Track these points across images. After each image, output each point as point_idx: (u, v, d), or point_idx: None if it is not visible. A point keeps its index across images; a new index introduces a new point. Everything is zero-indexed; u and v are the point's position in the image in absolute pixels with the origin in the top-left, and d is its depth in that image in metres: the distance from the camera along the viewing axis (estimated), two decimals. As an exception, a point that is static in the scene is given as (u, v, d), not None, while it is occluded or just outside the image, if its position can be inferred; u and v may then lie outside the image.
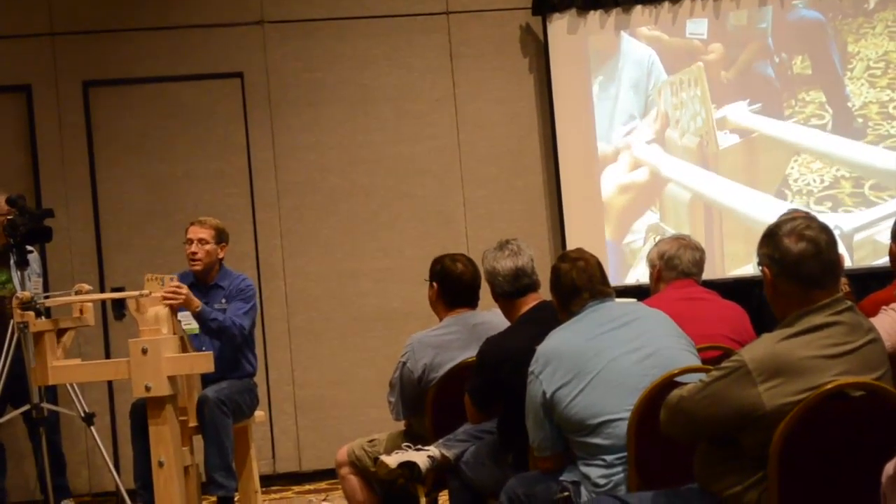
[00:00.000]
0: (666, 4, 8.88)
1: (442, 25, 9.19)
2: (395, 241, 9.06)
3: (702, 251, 5.75)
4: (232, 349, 6.96)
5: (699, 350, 4.61)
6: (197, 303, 6.68)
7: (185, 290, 6.44)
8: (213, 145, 9.00)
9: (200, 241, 7.03)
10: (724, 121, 8.78)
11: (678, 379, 4.15)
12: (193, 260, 7.03)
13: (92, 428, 7.53)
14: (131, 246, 8.85)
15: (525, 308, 5.14)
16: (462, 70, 9.20)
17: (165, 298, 6.19)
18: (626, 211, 9.01)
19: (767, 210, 8.28)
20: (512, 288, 5.14)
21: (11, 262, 7.20)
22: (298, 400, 8.95)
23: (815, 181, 8.62)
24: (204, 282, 7.01)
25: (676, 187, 8.90)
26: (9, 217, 7.13)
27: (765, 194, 8.67)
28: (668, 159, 8.89)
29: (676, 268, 5.65)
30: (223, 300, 6.97)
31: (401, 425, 5.91)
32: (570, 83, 9.04)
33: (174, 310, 6.31)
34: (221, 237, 7.13)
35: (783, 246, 3.67)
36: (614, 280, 8.57)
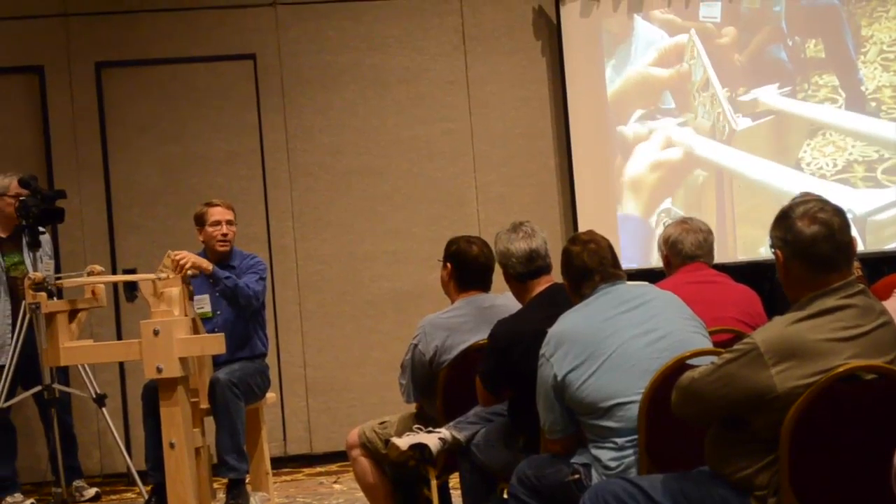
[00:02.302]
0: (679, -13, 8.89)
1: (455, 8, 9.17)
2: (408, 223, 9.05)
3: (706, 232, 5.69)
4: (244, 324, 6.97)
5: (711, 333, 4.61)
6: (208, 264, 6.72)
7: (185, 254, 6.42)
8: (226, 127, 8.99)
9: (228, 222, 7.09)
10: (736, 104, 8.76)
11: (690, 361, 4.14)
12: (224, 241, 7.06)
13: (103, 409, 7.56)
14: (143, 227, 8.86)
15: (537, 290, 5.12)
16: (475, 53, 9.18)
17: (180, 269, 6.21)
18: (653, 192, 8.96)
19: (781, 193, 8.27)
20: (525, 270, 5.12)
21: (24, 243, 7.23)
22: (310, 382, 8.96)
23: (827, 165, 8.60)
24: (217, 263, 7.01)
25: (689, 170, 8.88)
26: (21, 198, 7.15)
27: (780, 171, 8.66)
28: (680, 142, 8.87)
29: (681, 252, 5.64)
30: (234, 279, 6.99)
31: (412, 407, 5.90)
32: (583, 66, 9.03)
33: (191, 296, 6.33)
34: (235, 218, 7.20)
35: (796, 228, 3.66)
36: (636, 259, 8.61)
